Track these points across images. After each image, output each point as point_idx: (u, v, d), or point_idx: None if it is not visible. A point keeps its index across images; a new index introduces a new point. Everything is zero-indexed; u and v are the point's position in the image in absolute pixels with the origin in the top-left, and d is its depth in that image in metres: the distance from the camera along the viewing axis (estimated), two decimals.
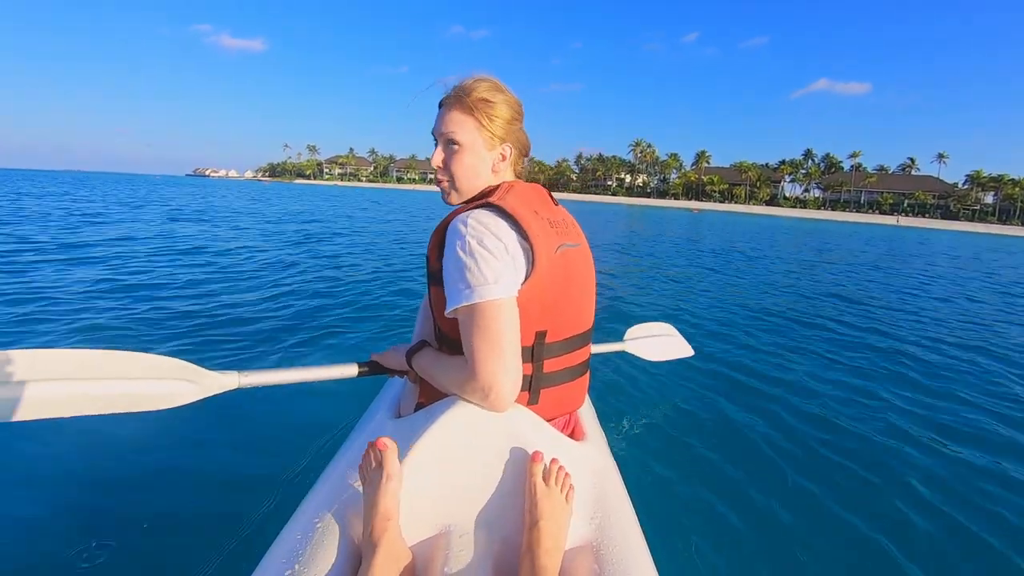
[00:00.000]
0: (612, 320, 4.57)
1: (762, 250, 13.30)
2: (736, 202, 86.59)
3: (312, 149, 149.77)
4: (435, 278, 1.05)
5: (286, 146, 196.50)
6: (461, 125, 1.08)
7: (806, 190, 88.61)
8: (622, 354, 2.40)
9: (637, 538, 1.00)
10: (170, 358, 1.08)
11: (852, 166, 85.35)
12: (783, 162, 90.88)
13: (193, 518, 1.70)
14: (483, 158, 1.10)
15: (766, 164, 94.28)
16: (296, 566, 0.85)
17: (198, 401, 1.10)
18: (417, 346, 1.15)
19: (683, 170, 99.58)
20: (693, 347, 2.79)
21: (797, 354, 3.98)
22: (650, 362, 2.56)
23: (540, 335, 1.03)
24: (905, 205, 76.68)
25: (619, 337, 2.43)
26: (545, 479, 0.95)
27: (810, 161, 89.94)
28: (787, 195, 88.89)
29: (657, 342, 2.52)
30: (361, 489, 0.96)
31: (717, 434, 2.52)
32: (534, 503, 0.92)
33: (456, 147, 1.09)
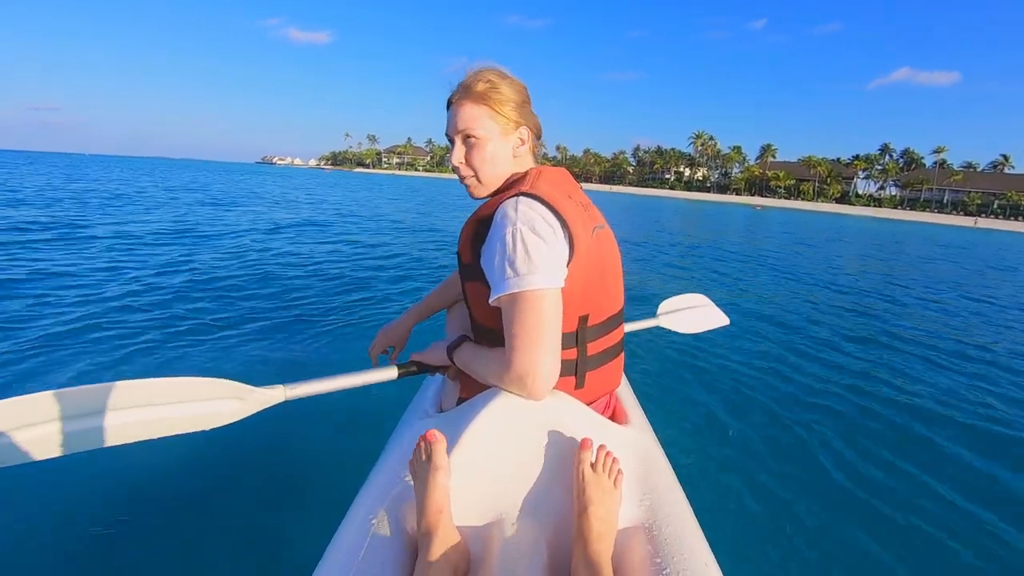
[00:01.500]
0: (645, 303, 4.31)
1: (822, 250, 12.35)
2: (803, 199, 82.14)
3: (372, 139, 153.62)
4: (470, 271, 1.06)
5: (347, 135, 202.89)
6: (476, 118, 1.07)
7: (881, 187, 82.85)
8: (657, 330, 2.34)
9: (689, 518, 1.00)
10: (221, 380, 1.11)
11: (935, 163, 79.00)
12: (856, 157, 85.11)
13: (248, 527, 1.76)
14: (502, 146, 1.09)
15: (837, 159, 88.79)
16: (355, 562, 0.87)
17: (247, 417, 1.14)
18: (457, 341, 1.15)
19: (746, 164, 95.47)
20: (730, 318, 2.66)
21: (849, 339, 3.89)
22: (686, 337, 2.60)
23: (583, 319, 1.04)
24: (995, 206, 70.34)
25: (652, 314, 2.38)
26: (592, 466, 0.96)
27: (887, 156, 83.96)
28: (859, 192, 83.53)
29: (691, 314, 2.42)
30: (412, 483, 0.98)
31: (761, 409, 2.45)
32: (583, 490, 0.93)
33: (474, 140, 1.08)
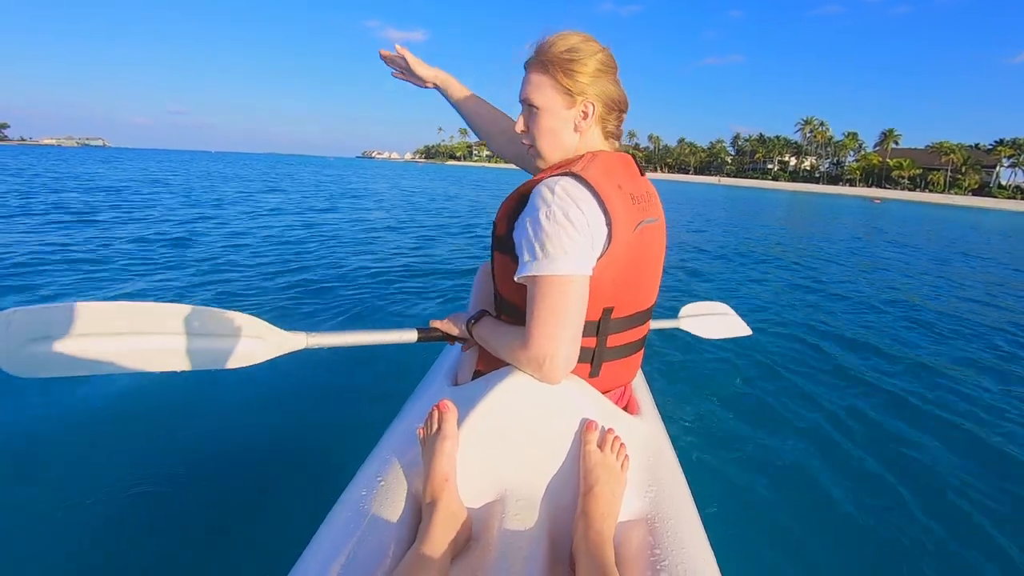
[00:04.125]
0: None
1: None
2: (932, 190, 73.02)
3: (463, 132, 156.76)
4: (502, 244, 1.05)
5: (440, 129, 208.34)
6: (538, 87, 1.04)
7: None
8: (676, 331, 2.34)
9: (691, 513, 1.00)
10: (246, 315, 1.12)
11: None
12: (1000, 142, 73.45)
13: (261, 479, 1.79)
14: (563, 118, 1.05)
15: (975, 145, 77.98)
16: (361, 523, 0.89)
17: (269, 360, 1.15)
18: (478, 315, 1.15)
19: (863, 152, 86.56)
20: (752, 327, 2.69)
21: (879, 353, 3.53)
22: (706, 341, 2.50)
23: (607, 311, 1.03)
24: None
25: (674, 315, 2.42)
26: (600, 447, 0.97)
27: None
28: (1003, 183, 72.69)
29: (713, 320, 2.45)
30: (420, 451, 1.01)
31: (775, 416, 2.49)
32: (588, 469, 0.94)
33: (535, 110, 1.05)
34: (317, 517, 0.95)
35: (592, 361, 1.06)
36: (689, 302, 2.52)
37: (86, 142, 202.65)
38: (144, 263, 5.04)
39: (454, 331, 1.25)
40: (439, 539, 0.82)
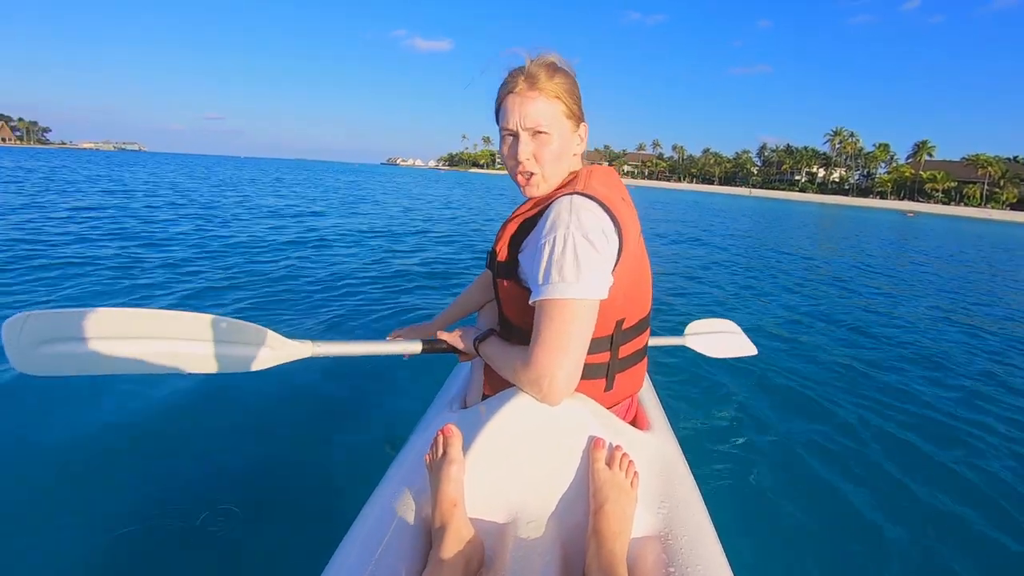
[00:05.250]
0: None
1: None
2: (968, 204, 70.87)
3: (487, 140, 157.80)
4: (506, 270, 1.05)
5: (464, 136, 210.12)
6: (547, 113, 1.01)
7: None
8: (683, 348, 2.31)
9: (707, 529, 0.98)
10: (253, 324, 1.14)
11: None
12: None
13: (270, 506, 1.74)
14: (569, 142, 1.06)
15: (1014, 158, 75.56)
16: (373, 551, 0.88)
17: (276, 367, 1.17)
18: (486, 333, 1.15)
19: (894, 164, 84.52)
20: (758, 347, 2.62)
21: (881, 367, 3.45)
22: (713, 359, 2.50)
23: (619, 323, 1.03)
24: None
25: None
26: (608, 464, 0.96)
27: None
28: None
29: (719, 339, 2.42)
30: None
31: (795, 429, 2.46)
32: (597, 488, 0.93)
33: (546, 136, 1.02)
34: (329, 545, 0.94)
35: (607, 375, 1.06)
36: (699, 318, 2.50)
37: (123, 146, 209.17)
38: (169, 267, 5.12)
39: (460, 345, 1.25)
40: (450, 564, 0.82)
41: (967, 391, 3.18)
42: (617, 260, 0.95)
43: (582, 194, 0.95)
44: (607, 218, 0.94)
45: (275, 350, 1.17)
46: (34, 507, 1.67)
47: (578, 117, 1.06)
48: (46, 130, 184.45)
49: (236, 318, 1.14)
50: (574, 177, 1.06)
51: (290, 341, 1.18)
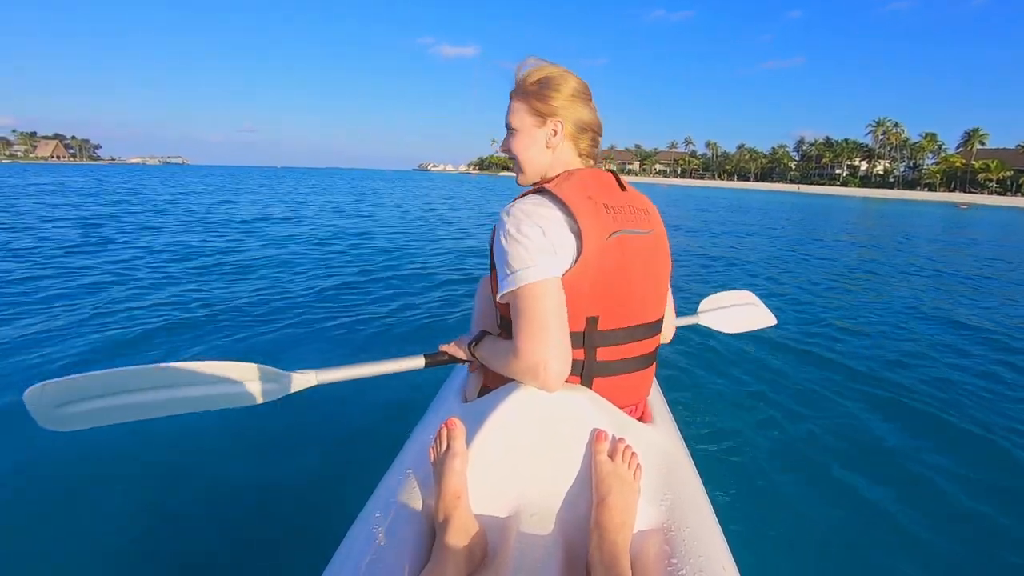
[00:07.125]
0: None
1: None
2: None
3: None
4: (492, 271, 1.12)
5: (493, 141, 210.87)
6: (515, 112, 1.16)
7: None
8: (696, 328, 2.17)
9: (710, 521, 0.99)
10: (261, 365, 1.19)
11: None
12: None
13: (276, 505, 1.81)
14: (535, 136, 1.15)
15: None
16: (377, 543, 0.90)
17: (281, 399, 1.22)
18: (478, 336, 1.20)
19: (943, 154, 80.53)
20: (779, 317, 2.49)
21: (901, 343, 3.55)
22: (725, 341, 2.43)
23: (591, 320, 1.04)
24: None
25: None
26: (611, 457, 0.97)
27: None
28: None
29: (736, 312, 2.27)
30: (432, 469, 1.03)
31: (800, 422, 2.41)
32: (600, 480, 0.94)
33: (513, 131, 1.17)
34: (334, 539, 0.96)
35: (582, 374, 1.06)
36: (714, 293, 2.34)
37: (167, 160, 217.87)
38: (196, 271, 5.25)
39: (460, 354, 1.27)
40: (453, 556, 0.83)
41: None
42: (578, 253, 0.98)
43: (540, 191, 1.05)
44: (554, 213, 1.00)
45: (281, 385, 1.20)
46: (35, 519, 1.74)
47: (543, 115, 1.13)
48: (97, 147, 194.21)
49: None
50: (552, 178, 1.14)
51: (293, 374, 1.21)
